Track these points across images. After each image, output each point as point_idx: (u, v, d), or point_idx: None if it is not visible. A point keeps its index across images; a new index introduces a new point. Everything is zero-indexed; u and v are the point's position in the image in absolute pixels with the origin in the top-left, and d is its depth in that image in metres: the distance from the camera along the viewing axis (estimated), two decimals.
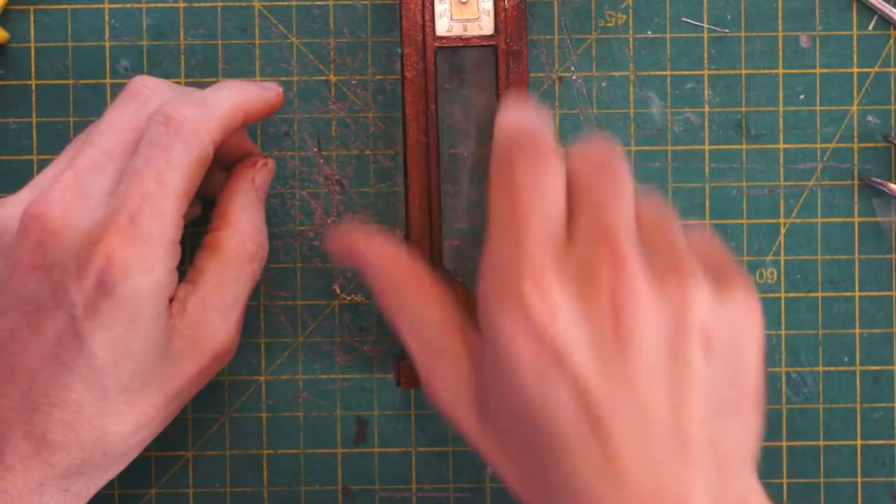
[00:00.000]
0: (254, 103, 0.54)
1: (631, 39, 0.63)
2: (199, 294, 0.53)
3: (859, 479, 0.63)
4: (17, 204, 0.53)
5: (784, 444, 0.63)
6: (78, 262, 0.50)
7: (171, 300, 0.52)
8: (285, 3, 0.62)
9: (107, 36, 0.62)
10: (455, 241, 0.61)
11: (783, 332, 0.63)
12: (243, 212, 0.56)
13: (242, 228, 0.55)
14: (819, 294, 0.63)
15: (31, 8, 0.62)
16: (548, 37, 0.62)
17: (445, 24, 0.59)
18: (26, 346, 0.50)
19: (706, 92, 0.63)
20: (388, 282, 0.52)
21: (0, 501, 0.50)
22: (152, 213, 0.50)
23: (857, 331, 0.63)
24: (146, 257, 0.50)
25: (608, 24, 0.62)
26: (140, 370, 0.51)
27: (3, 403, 0.51)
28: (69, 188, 0.51)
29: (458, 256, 0.61)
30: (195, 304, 0.53)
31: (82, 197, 0.51)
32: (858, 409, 0.63)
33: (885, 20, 0.62)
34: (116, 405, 0.51)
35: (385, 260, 0.52)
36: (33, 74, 0.62)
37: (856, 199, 0.63)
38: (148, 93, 0.54)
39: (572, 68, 0.63)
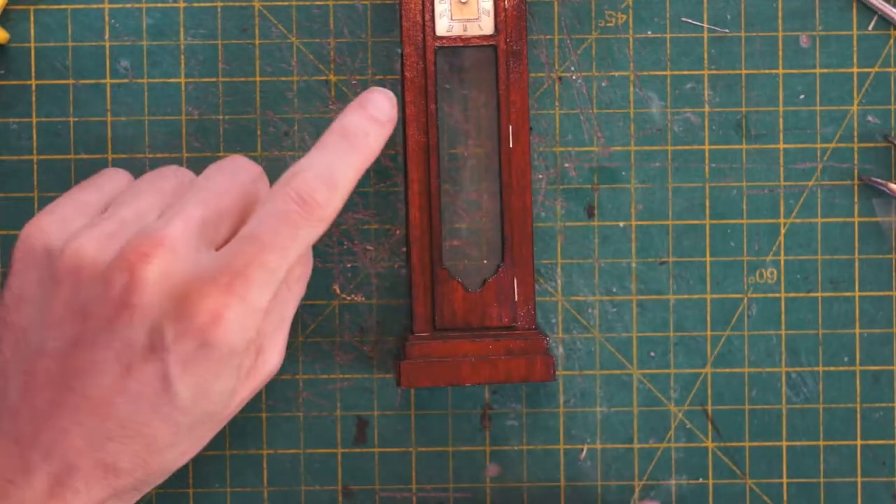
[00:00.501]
0: (375, 156, 0.55)
1: (631, 39, 0.63)
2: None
3: (859, 479, 0.63)
4: (104, 236, 0.52)
5: (784, 444, 0.63)
6: (180, 311, 0.50)
7: None
8: (285, 3, 0.62)
9: (107, 36, 0.62)
10: (455, 241, 0.61)
11: (783, 332, 0.63)
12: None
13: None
14: (819, 294, 0.63)
15: (31, 8, 0.62)
16: (548, 37, 0.62)
17: (445, 24, 0.59)
18: (108, 380, 0.50)
19: (706, 92, 0.63)
20: None
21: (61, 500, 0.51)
22: (266, 282, 0.51)
23: (857, 331, 0.63)
24: (249, 321, 0.50)
25: (608, 24, 0.62)
26: (212, 408, 0.52)
27: (75, 431, 0.51)
28: (181, 238, 0.51)
29: (458, 256, 0.61)
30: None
31: (193, 248, 0.51)
32: (858, 409, 0.63)
33: (885, 20, 0.62)
34: (183, 438, 0.52)
35: None
36: (33, 74, 0.62)
37: (856, 199, 0.63)
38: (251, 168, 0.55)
39: (572, 68, 0.63)
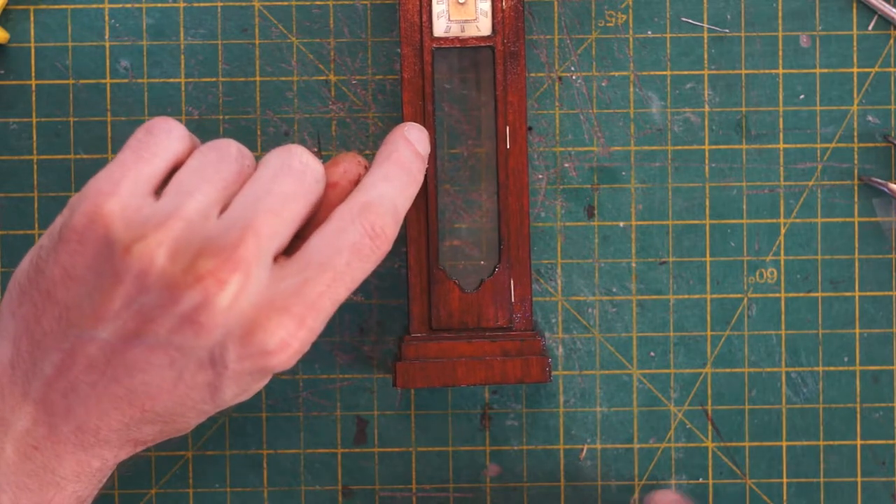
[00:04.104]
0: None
1: (631, 39, 0.62)
2: None
3: (859, 479, 0.63)
4: (173, 242, 0.51)
5: (784, 444, 0.63)
6: (247, 336, 0.50)
7: None
8: (285, 3, 0.62)
9: (107, 36, 0.62)
10: (455, 241, 0.61)
11: (783, 332, 0.62)
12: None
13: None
14: (819, 294, 0.63)
15: (31, 8, 0.62)
16: (548, 37, 0.62)
17: (443, 25, 0.58)
18: (157, 381, 0.51)
19: (706, 92, 0.62)
20: None
21: (84, 480, 0.53)
22: (330, 311, 0.52)
23: (857, 331, 0.62)
24: (307, 346, 0.51)
25: (608, 24, 0.62)
26: (244, 399, 0.53)
27: (113, 415, 0.51)
28: (254, 259, 0.50)
29: (457, 256, 0.61)
30: None
31: (263, 266, 0.51)
32: (858, 409, 0.63)
33: (885, 20, 0.62)
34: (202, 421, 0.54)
35: None
36: (33, 74, 0.62)
37: (856, 199, 0.63)
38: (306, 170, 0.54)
39: (572, 68, 0.62)
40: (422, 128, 0.57)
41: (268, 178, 0.53)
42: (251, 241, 0.50)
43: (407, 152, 0.55)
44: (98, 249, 0.51)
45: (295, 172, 0.53)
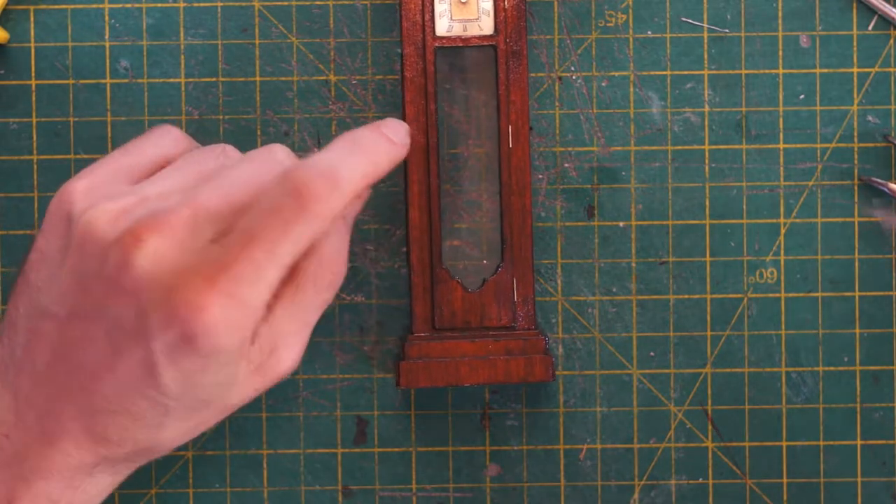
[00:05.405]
0: (382, 171, 0.53)
1: (631, 39, 0.63)
2: (271, 321, 0.52)
3: (859, 479, 0.63)
4: (118, 211, 0.51)
5: (784, 444, 0.63)
6: (166, 302, 0.49)
7: None
8: (285, 3, 0.62)
9: (107, 36, 0.62)
10: (455, 241, 0.61)
11: (783, 332, 0.63)
12: (326, 239, 0.53)
13: (322, 256, 0.53)
14: (819, 294, 0.63)
15: (31, 8, 0.62)
16: (548, 37, 0.62)
17: (445, 24, 0.59)
18: (98, 356, 0.50)
19: (706, 92, 0.63)
20: None
21: (54, 478, 0.51)
22: (255, 280, 0.49)
23: (857, 331, 0.63)
24: (235, 321, 0.49)
25: (608, 24, 0.62)
26: (206, 397, 0.51)
27: (66, 398, 0.51)
28: (183, 225, 0.50)
29: (458, 256, 0.61)
30: (266, 332, 0.52)
31: (196, 238, 0.50)
32: (858, 409, 0.63)
33: (885, 20, 0.62)
34: (175, 420, 0.52)
35: None
36: (33, 74, 0.62)
37: (856, 199, 0.63)
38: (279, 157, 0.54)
39: (572, 68, 0.63)
40: (401, 122, 0.55)
41: (235, 164, 0.53)
42: (185, 210, 0.50)
43: (365, 132, 0.53)
44: (63, 227, 0.52)
45: (259, 162, 0.52)
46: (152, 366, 0.49)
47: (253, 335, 0.51)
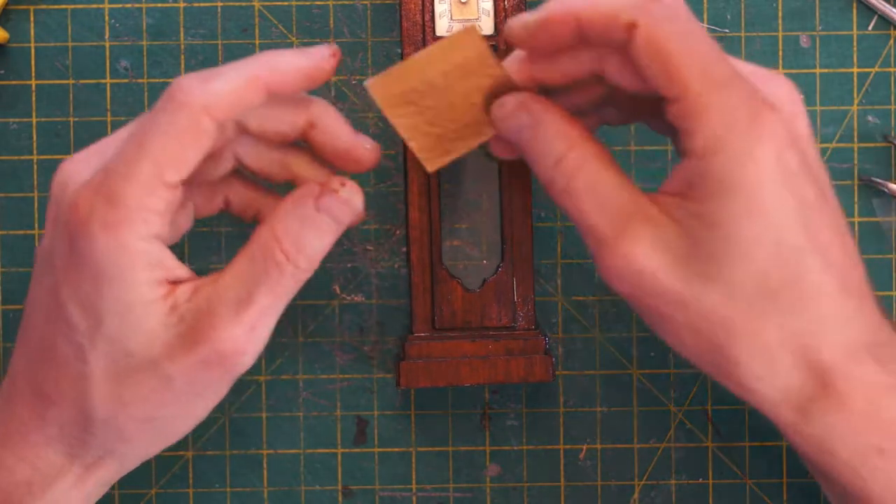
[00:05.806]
0: (281, 75, 0.52)
1: None
2: (217, 283, 0.52)
3: None
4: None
5: (784, 443, 0.63)
6: (58, 214, 0.51)
7: (175, 282, 0.52)
8: (285, 3, 0.62)
9: (107, 36, 0.62)
10: (455, 241, 0.61)
11: None
12: (287, 216, 0.52)
13: (276, 231, 0.52)
14: None
15: (31, 8, 0.62)
16: None
17: (445, 24, 0.59)
18: (35, 301, 0.53)
19: None
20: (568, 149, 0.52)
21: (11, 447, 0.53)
22: (124, 174, 0.50)
23: None
24: (107, 215, 0.50)
25: None
26: (113, 334, 0.51)
27: (19, 352, 0.53)
28: (90, 152, 0.52)
29: (458, 256, 0.61)
30: (208, 292, 0.51)
31: (97, 157, 0.52)
32: None
33: (885, 20, 0.62)
34: (97, 370, 0.51)
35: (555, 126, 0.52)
36: (33, 74, 0.62)
37: (856, 199, 0.63)
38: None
39: None
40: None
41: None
42: (100, 142, 0.53)
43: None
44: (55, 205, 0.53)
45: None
46: (56, 288, 0.51)
47: (191, 282, 0.52)
